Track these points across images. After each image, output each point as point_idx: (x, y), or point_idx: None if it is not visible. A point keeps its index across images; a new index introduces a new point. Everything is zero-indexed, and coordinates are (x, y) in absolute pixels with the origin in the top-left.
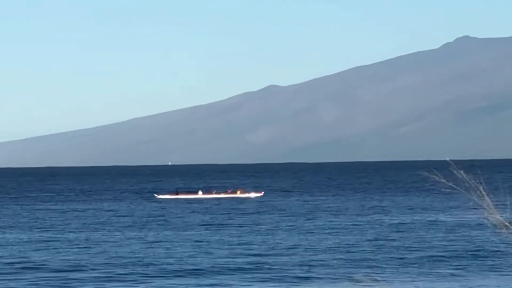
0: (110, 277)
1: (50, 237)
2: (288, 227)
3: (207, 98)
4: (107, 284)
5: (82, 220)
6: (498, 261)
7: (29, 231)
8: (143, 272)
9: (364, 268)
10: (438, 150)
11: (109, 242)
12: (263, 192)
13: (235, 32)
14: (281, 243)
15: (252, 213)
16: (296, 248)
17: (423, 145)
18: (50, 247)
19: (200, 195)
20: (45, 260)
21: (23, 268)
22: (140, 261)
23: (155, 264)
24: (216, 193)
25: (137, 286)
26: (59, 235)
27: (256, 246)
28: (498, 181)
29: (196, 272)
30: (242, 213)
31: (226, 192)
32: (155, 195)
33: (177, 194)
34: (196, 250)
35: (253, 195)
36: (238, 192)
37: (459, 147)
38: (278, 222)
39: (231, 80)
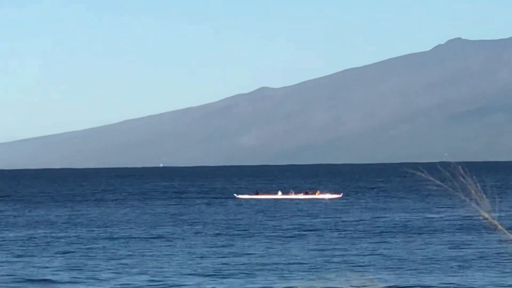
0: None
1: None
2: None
3: (198, 100)
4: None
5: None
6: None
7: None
8: None
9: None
10: (427, 152)
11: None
12: (341, 194)
13: (227, 34)
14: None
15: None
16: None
17: (413, 148)
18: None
19: (279, 195)
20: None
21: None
22: None
23: None
24: (295, 193)
25: None
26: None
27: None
28: (487, 183)
29: None
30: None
31: (305, 193)
32: (235, 195)
33: (257, 194)
34: None
35: (332, 196)
36: (317, 193)
37: (449, 150)
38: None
39: (222, 82)
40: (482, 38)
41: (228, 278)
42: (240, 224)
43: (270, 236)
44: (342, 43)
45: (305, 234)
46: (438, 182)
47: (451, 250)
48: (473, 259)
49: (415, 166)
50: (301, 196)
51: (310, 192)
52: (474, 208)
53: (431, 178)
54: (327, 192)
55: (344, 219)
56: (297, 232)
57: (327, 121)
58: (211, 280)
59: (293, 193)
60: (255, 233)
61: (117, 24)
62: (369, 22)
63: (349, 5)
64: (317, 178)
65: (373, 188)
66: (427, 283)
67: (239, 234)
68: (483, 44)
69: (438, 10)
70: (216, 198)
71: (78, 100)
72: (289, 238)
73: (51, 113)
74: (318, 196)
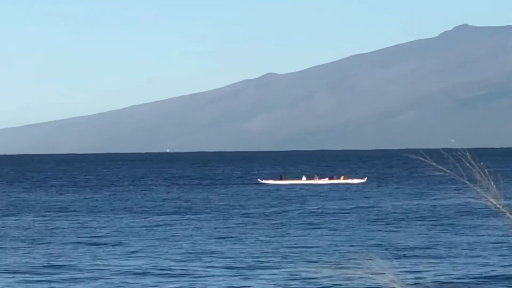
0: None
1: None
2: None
3: (205, 86)
4: None
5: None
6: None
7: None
8: None
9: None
10: (433, 138)
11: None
12: (366, 178)
13: (233, 19)
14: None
15: None
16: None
17: (419, 133)
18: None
19: (303, 180)
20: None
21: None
22: None
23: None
24: (319, 178)
25: None
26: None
27: None
28: (493, 169)
29: None
30: None
31: (330, 178)
32: (259, 180)
33: (280, 179)
34: None
35: (356, 181)
36: (342, 178)
37: (455, 136)
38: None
39: (229, 68)
40: (488, 25)
41: (238, 263)
42: (258, 210)
43: (283, 222)
44: (349, 29)
45: (319, 220)
46: (441, 167)
47: (455, 237)
48: (479, 246)
49: (418, 152)
50: (325, 181)
51: (335, 177)
52: (481, 195)
53: (433, 164)
54: (352, 178)
55: (354, 205)
56: (311, 219)
57: (333, 107)
58: (219, 265)
59: (317, 178)
60: (273, 218)
61: (123, 13)
62: (376, 8)
63: None
64: (325, 164)
65: (380, 174)
66: (433, 270)
67: (255, 220)
68: (490, 30)
69: None
70: (238, 184)
71: (85, 85)
72: (301, 224)
73: (58, 98)
74: (342, 181)
